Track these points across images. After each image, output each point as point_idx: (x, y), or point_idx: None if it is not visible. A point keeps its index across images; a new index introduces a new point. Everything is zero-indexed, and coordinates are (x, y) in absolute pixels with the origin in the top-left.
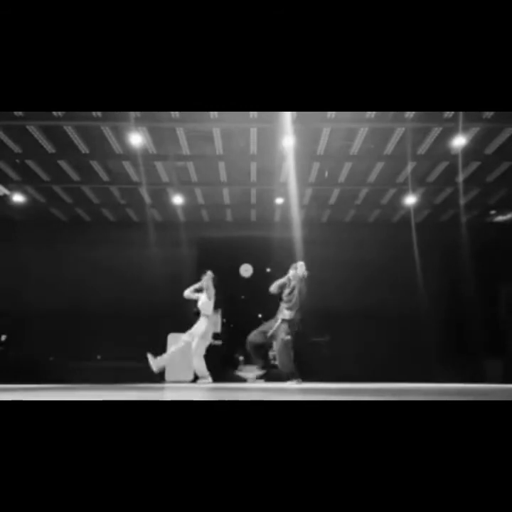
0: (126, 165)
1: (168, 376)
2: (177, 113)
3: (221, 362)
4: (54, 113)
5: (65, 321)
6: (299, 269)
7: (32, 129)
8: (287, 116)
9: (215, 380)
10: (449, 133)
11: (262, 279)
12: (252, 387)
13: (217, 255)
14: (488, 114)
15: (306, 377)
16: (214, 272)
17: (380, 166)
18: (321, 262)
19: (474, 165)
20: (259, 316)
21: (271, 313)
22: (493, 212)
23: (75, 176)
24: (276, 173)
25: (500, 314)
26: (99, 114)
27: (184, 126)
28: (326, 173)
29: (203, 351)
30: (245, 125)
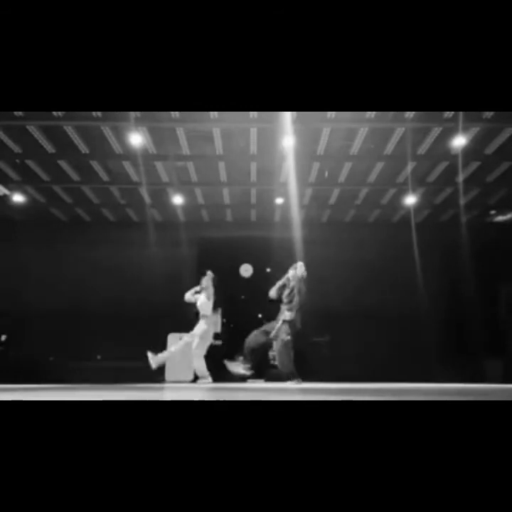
0: (126, 165)
1: (168, 376)
2: (177, 113)
3: (221, 362)
4: (54, 113)
5: (65, 321)
6: (298, 270)
7: (32, 129)
8: (287, 116)
9: (215, 380)
10: (449, 133)
11: (262, 279)
12: (252, 387)
13: (217, 255)
14: (488, 114)
15: (306, 377)
16: (214, 272)
17: (380, 166)
18: (321, 262)
19: (474, 165)
20: (259, 316)
21: (271, 313)
22: (493, 212)
23: (75, 176)
24: (276, 173)
25: (500, 314)
26: (99, 114)
27: (184, 126)
28: (326, 173)
29: (203, 351)
30: (245, 125)
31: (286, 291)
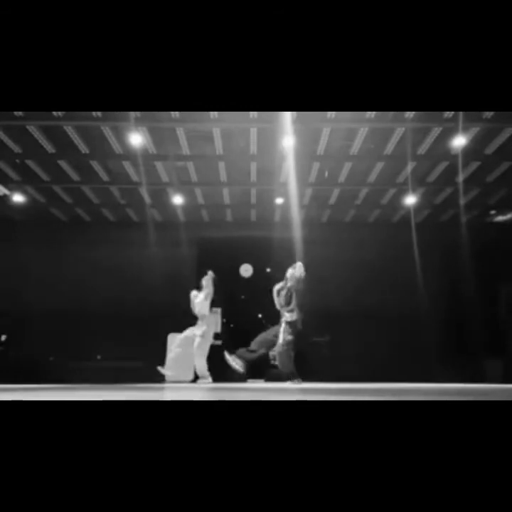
0: (126, 165)
1: (168, 376)
2: (177, 113)
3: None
4: (54, 113)
5: (65, 321)
6: (297, 270)
7: (32, 129)
8: (287, 116)
9: (215, 380)
10: (449, 133)
11: (262, 279)
12: (252, 387)
13: (217, 255)
14: (488, 114)
15: (306, 377)
16: (214, 272)
17: (380, 166)
18: (321, 262)
19: (474, 165)
20: (259, 316)
21: (271, 313)
22: (493, 212)
23: (75, 176)
24: (276, 173)
25: (500, 314)
26: (99, 114)
27: (184, 126)
28: (326, 173)
29: (205, 351)
30: (245, 125)
31: (283, 291)
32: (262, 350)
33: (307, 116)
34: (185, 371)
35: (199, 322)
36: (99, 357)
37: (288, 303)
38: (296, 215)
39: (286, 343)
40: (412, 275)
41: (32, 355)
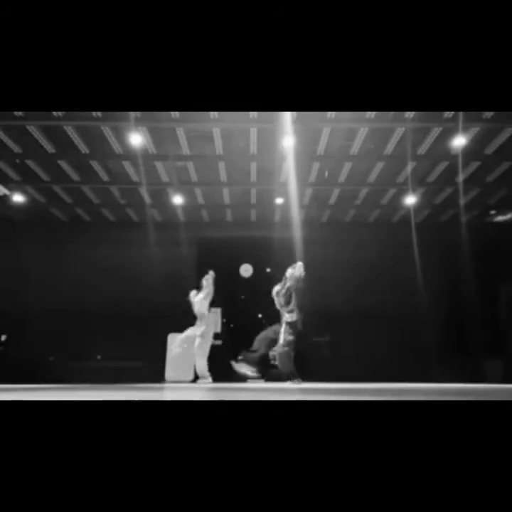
0: (126, 165)
1: (168, 376)
2: (177, 113)
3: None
4: (54, 113)
5: (65, 321)
6: (296, 270)
7: (32, 129)
8: (287, 116)
9: (216, 380)
10: (449, 133)
11: (262, 279)
12: (251, 387)
13: (217, 255)
14: (488, 114)
15: (306, 377)
16: (214, 272)
17: (380, 166)
18: (321, 262)
19: (474, 165)
20: (259, 316)
21: (271, 313)
22: (493, 212)
23: (75, 176)
24: (276, 173)
25: (500, 314)
26: (99, 114)
27: (184, 126)
28: (326, 173)
29: (206, 351)
30: (245, 125)
31: (283, 291)
32: (263, 350)
33: (307, 116)
34: (186, 371)
35: (198, 322)
36: (99, 357)
37: (287, 302)
38: (296, 215)
39: (287, 344)
40: (412, 275)
41: (32, 355)
